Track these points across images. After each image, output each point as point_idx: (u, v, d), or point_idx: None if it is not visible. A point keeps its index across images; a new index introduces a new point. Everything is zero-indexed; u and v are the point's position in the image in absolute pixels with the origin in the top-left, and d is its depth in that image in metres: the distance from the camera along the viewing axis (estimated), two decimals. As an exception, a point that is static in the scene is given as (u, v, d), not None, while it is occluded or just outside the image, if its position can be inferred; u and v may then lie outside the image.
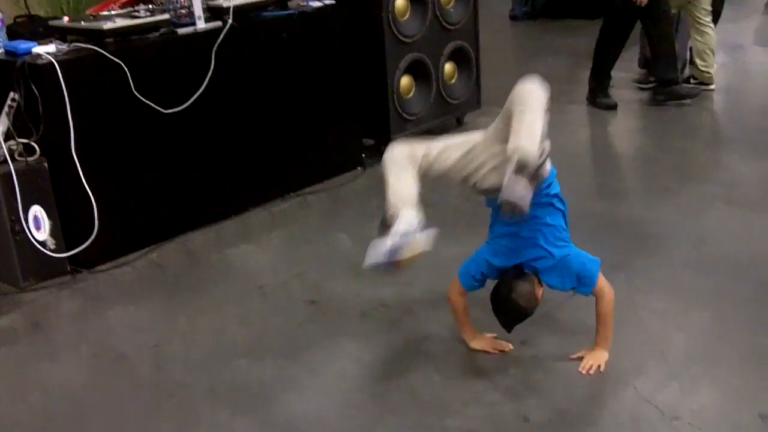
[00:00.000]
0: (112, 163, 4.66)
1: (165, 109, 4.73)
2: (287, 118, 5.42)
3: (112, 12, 4.89)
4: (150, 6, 4.95)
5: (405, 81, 6.08)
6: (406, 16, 5.96)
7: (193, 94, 4.83)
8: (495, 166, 3.36)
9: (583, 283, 3.47)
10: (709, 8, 7.17)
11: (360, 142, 6.01)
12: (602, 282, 3.49)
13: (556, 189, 3.52)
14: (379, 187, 5.57)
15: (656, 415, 3.24)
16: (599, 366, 3.51)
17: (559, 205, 3.52)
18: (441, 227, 4.90)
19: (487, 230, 3.71)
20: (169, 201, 4.91)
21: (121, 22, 4.63)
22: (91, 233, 4.53)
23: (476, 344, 3.70)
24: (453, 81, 6.52)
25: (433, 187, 5.51)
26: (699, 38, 7.24)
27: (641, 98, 7.46)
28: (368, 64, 5.86)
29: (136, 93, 4.60)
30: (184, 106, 4.81)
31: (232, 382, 3.58)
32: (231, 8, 4.95)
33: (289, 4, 5.42)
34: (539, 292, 3.44)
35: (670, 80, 6.92)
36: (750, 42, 9.34)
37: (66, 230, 4.54)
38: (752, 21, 10.29)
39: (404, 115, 6.09)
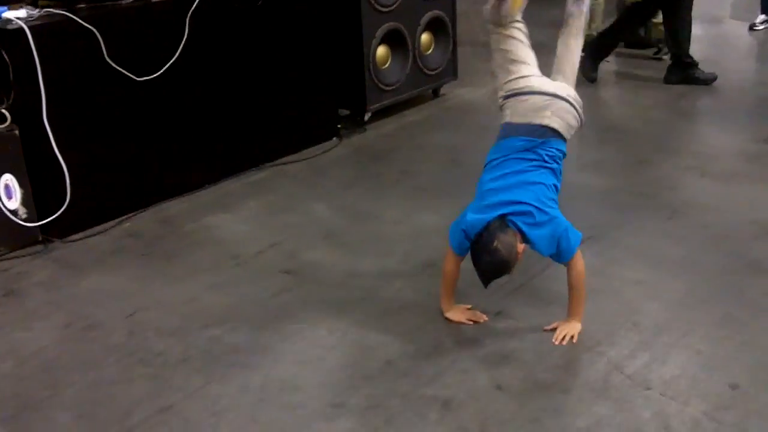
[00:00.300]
0: (85, 131, 4.61)
1: (138, 76, 4.69)
2: (262, 88, 5.39)
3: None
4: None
5: (381, 51, 6.06)
6: (383, -15, 5.93)
7: (166, 62, 4.79)
8: None
9: (561, 255, 3.47)
10: None
11: (336, 112, 6.00)
12: (577, 254, 3.49)
13: (564, 149, 3.60)
14: (356, 156, 5.61)
15: (628, 385, 3.26)
16: (572, 336, 3.53)
17: (557, 166, 3.56)
18: (419, 197, 4.95)
19: (465, 200, 3.69)
20: (143, 169, 4.88)
21: (93, -12, 4.58)
22: (64, 202, 4.49)
23: (452, 315, 3.70)
24: (430, 51, 6.50)
25: (414, 155, 5.56)
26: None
27: (617, 69, 7.48)
28: (344, 33, 5.83)
29: (109, 60, 4.55)
30: (157, 73, 4.76)
31: (207, 350, 3.57)
32: (206, -25, 4.91)
33: (265, -29, 5.37)
34: (520, 248, 3.39)
35: (690, 63, 6.92)
36: (726, 15, 9.35)
37: (38, 199, 4.50)
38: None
39: (380, 85, 6.07)
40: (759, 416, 3.07)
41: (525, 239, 3.41)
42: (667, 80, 6.92)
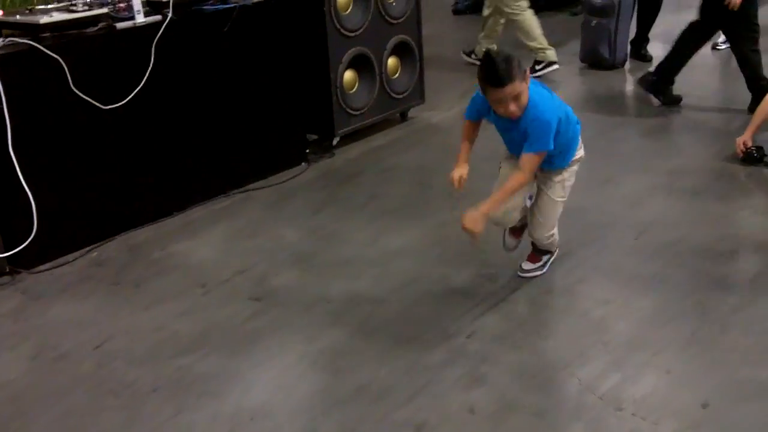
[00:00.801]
0: (51, 161, 4.58)
1: (104, 104, 4.67)
2: (229, 114, 5.38)
3: (49, 6, 4.80)
4: (88, 0, 4.86)
5: (348, 75, 6.07)
6: (349, 10, 5.94)
7: (132, 90, 4.77)
8: None
9: (531, 141, 3.70)
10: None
11: (304, 137, 5.99)
12: (531, 160, 3.71)
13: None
14: (324, 180, 5.60)
15: (600, 405, 3.26)
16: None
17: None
18: (388, 220, 4.95)
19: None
20: (109, 198, 4.85)
21: (57, 16, 4.55)
22: (31, 233, 4.45)
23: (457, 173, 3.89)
24: (396, 75, 6.52)
25: (382, 178, 5.57)
26: (519, 27, 7.74)
27: (580, 88, 7.54)
28: (311, 58, 5.83)
29: (74, 89, 4.52)
30: (123, 101, 4.74)
31: (177, 379, 3.55)
32: (171, 2, 4.89)
33: (230, -3, 5.37)
34: (526, 81, 3.64)
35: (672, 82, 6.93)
36: (689, 35, 9.43)
37: (4, 230, 4.45)
38: (691, 13, 10.40)
39: (348, 109, 6.08)
40: (730, 433, 3.09)
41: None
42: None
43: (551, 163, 3.89)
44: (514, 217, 4.02)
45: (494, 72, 3.55)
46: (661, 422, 3.16)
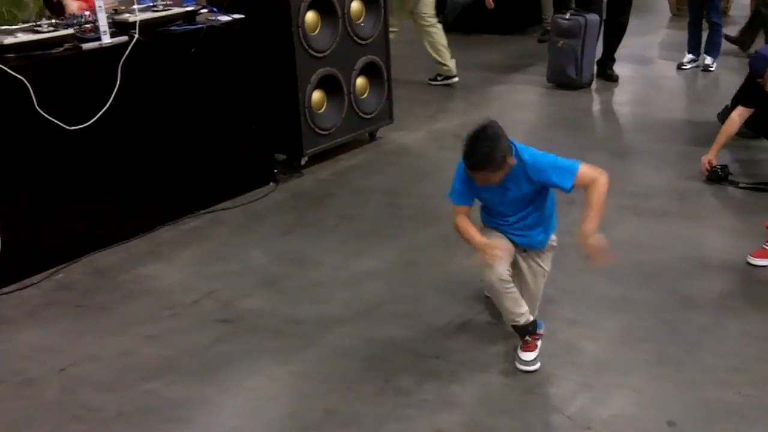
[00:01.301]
0: (16, 182, 4.53)
1: (70, 125, 4.63)
2: (197, 134, 5.36)
3: (14, 26, 4.77)
4: (54, 20, 4.84)
5: (317, 96, 6.07)
6: (317, 31, 5.94)
7: (98, 111, 4.74)
8: None
9: (562, 172, 3.52)
10: (432, 12, 8.09)
11: (272, 157, 5.98)
12: (587, 170, 3.56)
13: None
14: (293, 201, 5.59)
15: (569, 426, 3.27)
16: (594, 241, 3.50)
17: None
18: (357, 242, 4.94)
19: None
20: (75, 220, 4.80)
21: (22, 37, 4.52)
22: (-5, 255, 4.41)
23: (488, 241, 3.60)
24: (365, 95, 6.53)
25: (352, 200, 5.56)
26: (430, 39, 8.10)
27: (547, 110, 7.58)
28: (279, 78, 5.83)
29: (39, 110, 4.48)
30: (89, 122, 4.71)
31: (144, 404, 3.51)
32: (137, 23, 4.88)
33: (197, 18, 5.35)
34: (511, 160, 3.47)
35: None
36: (655, 55, 9.54)
37: (-32, 252, 4.41)
38: (658, 35, 10.53)
39: (316, 129, 6.08)
40: (698, 454, 3.11)
41: (517, 154, 3.51)
42: None
43: (532, 237, 3.77)
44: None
45: (481, 156, 3.43)
46: (630, 443, 3.17)
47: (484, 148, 3.41)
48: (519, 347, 3.69)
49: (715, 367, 3.62)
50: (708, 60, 8.68)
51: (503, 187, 3.57)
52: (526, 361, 3.64)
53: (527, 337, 3.67)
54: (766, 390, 3.46)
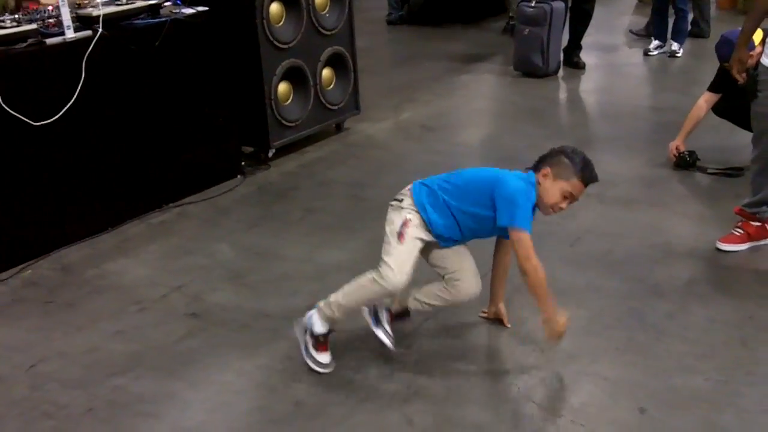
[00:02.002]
0: (-20, 179, 4.50)
1: (35, 121, 4.59)
2: (163, 128, 5.33)
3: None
4: (17, 15, 4.79)
5: (282, 87, 6.05)
6: (281, 23, 5.92)
7: (63, 106, 4.70)
8: None
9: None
10: None
11: (239, 149, 5.95)
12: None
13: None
14: (259, 195, 5.57)
15: (539, 414, 3.29)
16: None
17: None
18: (323, 235, 4.94)
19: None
20: (41, 216, 4.77)
21: (-15, 33, 4.48)
22: (-40, 252, 4.37)
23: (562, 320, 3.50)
24: (331, 87, 6.52)
25: (318, 192, 5.55)
26: None
27: (512, 100, 7.60)
28: (245, 71, 5.80)
29: (4, 105, 4.44)
30: (54, 117, 4.67)
31: (112, 400, 3.49)
32: (101, 17, 4.83)
33: (161, 11, 5.32)
34: None
35: None
36: (622, 42, 9.59)
37: (-67, 249, 4.37)
38: (623, 22, 10.57)
39: (283, 121, 6.06)
40: (666, 440, 3.13)
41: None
42: None
43: None
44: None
45: (595, 172, 3.50)
46: (599, 429, 3.19)
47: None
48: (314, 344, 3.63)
49: (683, 353, 3.65)
50: (674, 46, 8.75)
51: None
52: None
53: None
54: (733, 375, 3.50)
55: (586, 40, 8.54)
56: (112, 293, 4.38)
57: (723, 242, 4.57)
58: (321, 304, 3.58)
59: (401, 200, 3.57)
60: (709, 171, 5.61)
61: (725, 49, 5.08)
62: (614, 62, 8.88)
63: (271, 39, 5.80)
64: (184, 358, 3.76)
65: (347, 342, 3.77)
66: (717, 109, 5.71)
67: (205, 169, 5.65)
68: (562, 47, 8.40)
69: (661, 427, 3.20)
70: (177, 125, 5.41)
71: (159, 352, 3.82)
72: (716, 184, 5.48)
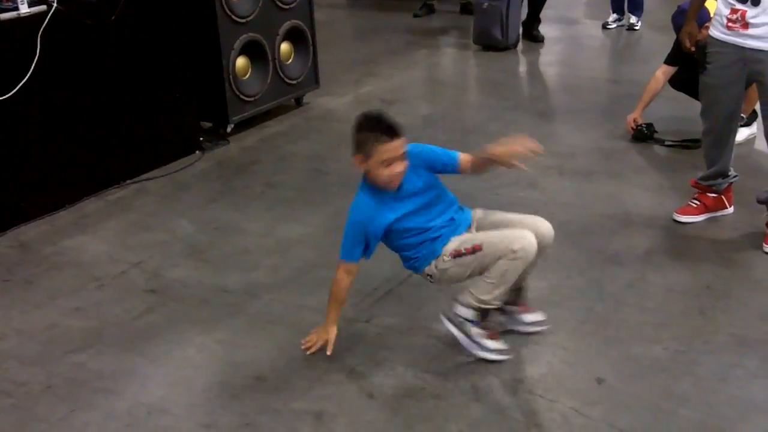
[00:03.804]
0: (-66, 156, 4.44)
1: (-10, 97, 4.54)
2: (120, 104, 5.27)
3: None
4: (-32, -10, 4.72)
5: (241, 62, 6.01)
6: (239, -4, 5.88)
7: (19, 82, 4.63)
8: None
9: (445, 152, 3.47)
10: None
11: (198, 125, 5.92)
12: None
13: None
14: (219, 170, 5.54)
15: (498, 385, 3.30)
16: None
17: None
18: (283, 209, 4.92)
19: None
20: (-2, 193, 4.72)
21: (-64, 8, 4.41)
22: None
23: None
24: (290, 61, 6.48)
25: (278, 166, 5.53)
26: None
27: (473, 72, 7.61)
28: (202, 45, 5.76)
29: (-43, 82, 4.39)
30: (9, 94, 4.60)
31: (71, 377, 3.47)
32: (55, -9, 4.78)
33: (117, -15, 5.25)
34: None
35: None
36: (582, 15, 9.62)
37: None
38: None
39: (241, 96, 6.02)
40: (626, 409, 3.16)
41: None
42: None
43: (463, 216, 3.59)
44: None
45: (388, 121, 3.29)
46: (559, 399, 3.21)
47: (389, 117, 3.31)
48: (481, 334, 3.47)
49: (642, 323, 3.69)
50: (633, 19, 8.79)
51: (409, 183, 3.38)
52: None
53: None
54: (691, 344, 3.53)
55: (545, 13, 8.55)
56: (70, 270, 4.34)
57: (680, 214, 4.60)
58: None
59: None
60: (666, 143, 5.65)
61: (681, 19, 5.10)
62: (573, 35, 8.91)
63: (229, 13, 5.76)
64: (143, 334, 3.74)
65: (307, 316, 3.76)
66: (673, 82, 5.75)
67: (164, 144, 5.60)
68: (522, 20, 8.41)
69: (619, 396, 3.23)
70: (134, 101, 5.36)
71: (118, 329, 3.80)
72: (674, 156, 5.52)
